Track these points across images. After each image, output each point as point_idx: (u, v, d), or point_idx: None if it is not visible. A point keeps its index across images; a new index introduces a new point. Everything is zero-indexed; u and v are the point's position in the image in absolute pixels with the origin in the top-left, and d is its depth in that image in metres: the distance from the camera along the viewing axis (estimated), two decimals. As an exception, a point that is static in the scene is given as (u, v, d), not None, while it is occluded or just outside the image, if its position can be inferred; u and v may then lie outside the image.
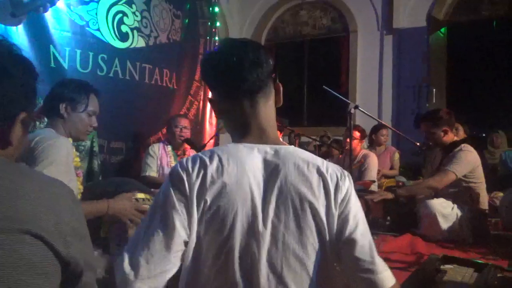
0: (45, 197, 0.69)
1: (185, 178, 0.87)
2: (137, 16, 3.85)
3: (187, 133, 3.45)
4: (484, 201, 3.01)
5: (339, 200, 0.89)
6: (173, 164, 3.27)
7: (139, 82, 3.86)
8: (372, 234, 2.81)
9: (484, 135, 5.63)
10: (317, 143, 5.11)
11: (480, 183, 3.00)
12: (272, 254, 0.85)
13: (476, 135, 5.41)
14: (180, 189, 0.86)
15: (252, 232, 0.86)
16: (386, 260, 2.52)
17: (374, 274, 0.86)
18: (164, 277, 0.83)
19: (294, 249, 0.86)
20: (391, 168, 4.83)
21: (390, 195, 3.13)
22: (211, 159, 0.89)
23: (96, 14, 3.44)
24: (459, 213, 2.85)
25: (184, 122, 3.46)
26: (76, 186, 1.81)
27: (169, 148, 3.45)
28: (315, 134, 6.17)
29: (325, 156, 5.85)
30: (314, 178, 0.89)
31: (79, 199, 0.78)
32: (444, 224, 2.81)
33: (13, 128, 0.76)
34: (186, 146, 3.48)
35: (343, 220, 0.89)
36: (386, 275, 0.88)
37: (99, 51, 3.46)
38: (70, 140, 1.90)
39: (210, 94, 1.08)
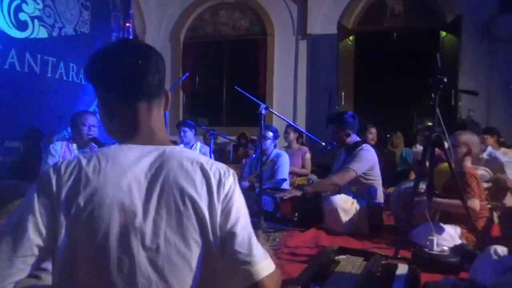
0: None
1: (53, 181, 0.85)
2: (38, 4, 3.54)
3: (95, 132, 3.27)
4: (380, 196, 3.31)
5: (222, 196, 0.91)
6: None
7: (40, 76, 3.55)
8: (281, 230, 2.89)
9: (388, 135, 6.19)
10: (234, 143, 5.18)
11: (377, 180, 3.28)
12: (153, 253, 0.85)
13: (381, 136, 5.90)
14: (46, 192, 0.84)
15: (130, 232, 0.84)
16: (291, 254, 2.61)
17: (251, 265, 0.89)
18: (6, 280, 0.80)
19: (176, 246, 0.86)
20: (303, 167, 5.07)
21: (298, 193, 3.31)
22: (89, 160, 0.88)
23: (-12, -2, 3.10)
24: (358, 207, 3.09)
25: (92, 120, 3.28)
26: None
27: (74, 146, 3.23)
28: (234, 134, 6.25)
29: (242, 156, 5.95)
30: (198, 176, 0.90)
31: None
32: (345, 218, 3.02)
33: None
34: (93, 144, 3.29)
35: (225, 214, 0.91)
36: (263, 265, 0.91)
37: (-9, 39, 3.13)
38: None
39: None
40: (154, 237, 0.85)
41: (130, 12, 4.80)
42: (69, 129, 3.69)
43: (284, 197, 3.29)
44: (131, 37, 4.75)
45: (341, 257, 1.94)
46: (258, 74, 6.99)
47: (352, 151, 3.29)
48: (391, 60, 6.48)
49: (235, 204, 0.92)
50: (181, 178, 0.89)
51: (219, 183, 0.92)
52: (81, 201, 0.83)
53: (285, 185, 4.06)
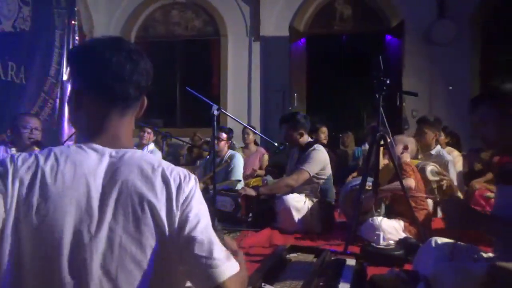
0: None
1: (10, 172, 0.81)
2: (-30, -2, 3.29)
3: (37, 135, 3.09)
4: (332, 194, 3.40)
5: (180, 201, 0.89)
6: None
7: (-27, 75, 3.31)
8: (235, 230, 2.88)
9: (341, 135, 6.39)
10: (189, 144, 5.11)
11: (328, 179, 3.37)
12: (106, 259, 0.82)
13: (333, 135, 6.09)
14: (2, 182, 0.80)
15: (84, 236, 0.81)
16: (246, 254, 2.62)
17: (212, 268, 0.87)
18: None
19: (132, 252, 0.83)
20: (260, 168, 5.10)
21: (253, 193, 3.32)
22: (47, 158, 0.84)
23: None
24: (310, 206, 3.16)
25: (34, 123, 3.09)
26: None
27: (13, 150, 3.03)
28: (188, 135, 6.17)
29: (197, 157, 5.89)
30: (157, 181, 0.88)
31: None
32: (297, 216, 3.08)
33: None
34: (35, 148, 3.11)
35: (184, 219, 0.89)
36: (225, 267, 0.89)
37: None
38: None
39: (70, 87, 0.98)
40: (109, 243, 0.82)
41: (75, 9, 4.58)
42: (8, 132, 3.46)
43: (241, 194, 3.27)
44: (76, 35, 4.54)
45: (292, 255, 1.97)
46: (211, 75, 6.96)
47: (304, 151, 3.36)
48: (341, 62, 6.72)
49: (194, 208, 0.91)
50: (140, 183, 0.86)
51: (179, 188, 0.90)
52: (35, 201, 0.80)
53: (239, 186, 4.07)
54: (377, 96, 2.39)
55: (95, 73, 0.91)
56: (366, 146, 5.62)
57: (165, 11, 7.12)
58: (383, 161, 2.96)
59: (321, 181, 3.33)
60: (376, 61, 2.45)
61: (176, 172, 0.92)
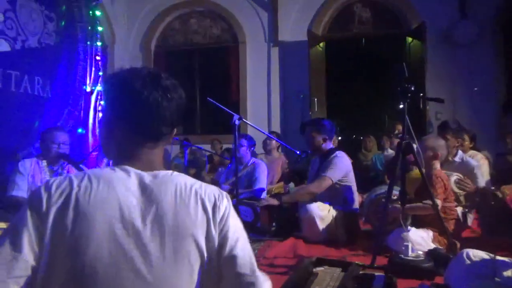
0: None
1: (44, 200, 0.82)
2: (-2, 16, 3.40)
3: (65, 149, 3.12)
4: (356, 202, 3.35)
5: (217, 220, 0.90)
6: None
7: (2, 90, 3.40)
8: (259, 240, 2.86)
9: (362, 138, 6.30)
10: (209, 153, 5.13)
11: (352, 186, 3.32)
12: (144, 283, 0.81)
13: (354, 139, 6.00)
14: (37, 210, 0.81)
15: (120, 260, 0.81)
16: (270, 265, 2.59)
17: (255, 286, 0.87)
18: None
19: (169, 276, 0.83)
20: (282, 175, 5.08)
21: (275, 202, 3.29)
22: (81, 180, 0.85)
23: None
24: (334, 214, 3.11)
25: (63, 138, 3.13)
26: None
27: (44, 163, 3.10)
28: (207, 142, 6.21)
29: (218, 165, 5.91)
30: (192, 201, 0.89)
31: None
32: (322, 226, 3.04)
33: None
34: (64, 161, 3.16)
35: (223, 238, 0.89)
36: (265, 285, 0.90)
37: (-51, 54, 2.98)
38: None
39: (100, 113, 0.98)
40: (146, 266, 0.82)
41: (98, 22, 4.68)
42: (36, 145, 3.55)
43: (261, 205, 3.26)
44: (98, 47, 4.63)
45: (319, 268, 1.94)
46: (230, 81, 6.98)
47: (326, 158, 3.32)
48: (361, 65, 6.63)
49: (231, 226, 0.91)
50: (175, 204, 0.87)
51: (214, 207, 0.90)
52: (69, 223, 0.80)
53: (263, 195, 4.07)
54: (401, 104, 2.34)
55: (130, 109, 0.91)
56: (388, 152, 5.53)
57: (184, 20, 7.19)
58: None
59: (345, 187, 3.28)
60: (399, 67, 2.39)
61: (210, 191, 0.93)
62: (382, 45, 6.49)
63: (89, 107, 4.45)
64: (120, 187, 0.85)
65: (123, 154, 0.94)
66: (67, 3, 4.24)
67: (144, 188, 0.87)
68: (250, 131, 5.32)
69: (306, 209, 3.09)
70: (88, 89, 4.46)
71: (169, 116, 0.93)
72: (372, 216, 3.06)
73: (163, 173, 0.92)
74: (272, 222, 3.28)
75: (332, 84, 6.68)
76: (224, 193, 0.96)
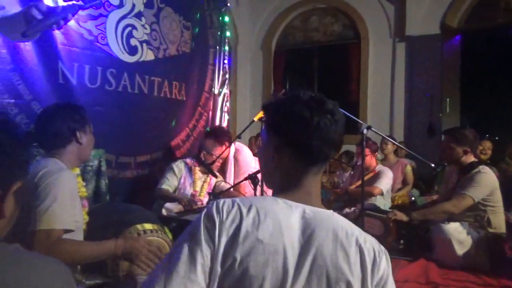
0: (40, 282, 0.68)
1: (217, 225, 0.84)
2: (146, 28, 3.80)
3: (212, 158, 3.15)
4: (501, 225, 2.91)
5: (376, 280, 0.86)
6: (196, 187, 3.14)
7: (147, 95, 3.82)
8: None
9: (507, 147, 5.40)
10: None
11: (497, 207, 2.90)
12: None
13: (496, 149, 5.19)
14: (210, 233, 0.84)
15: None
16: (400, 290, 2.40)
17: None
18: None
19: None
20: (404, 181, 4.73)
21: (405, 217, 3.04)
22: (248, 210, 0.86)
23: (105, 28, 3.40)
24: (475, 238, 2.75)
25: (218, 151, 3.16)
26: (82, 217, 1.78)
27: (197, 170, 3.22)
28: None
29: (335, 168, 5.77)
30: (352, 251, 0.85)
31: (73, 280, 0.78)
32: (460, 251, 2.71)
33: (7, 199, 0.75)
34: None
35: None
36: None
37: (108, 65, 3.42)
38: (77, 170, 1.86)
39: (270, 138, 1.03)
40: None
41: (226, 27, 4.94)
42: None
43: (389, 220, 3.05)
44: (226, 51, 4.88)
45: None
46: (350, 80, 6.73)
47: (467, 173, 2.95)
48: (505, 60, 5.73)
49: None
50: (334, 250, 0.85)
51: (374, 264, 0.86)
52: (238, 255, 0.82)
53: (381, 200, 3.87)
54: None
55: (301, 135, 0.91)
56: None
57: (305, 17, 7.15)
58: None
59: (488, 208, 2.88)
60: None
61: (370, 244, 0.88)
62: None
63: (216, 108, 4.75)
64: (283, 223, 0.86)
65: (286, 182, 0.94)
66: (201, 11, 4.55)
67: (304, 227, 0.87)
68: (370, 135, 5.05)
69: (441, 229, 2.80)
70: (216, 91, 4.75)
71: (337, 139, 0.93)
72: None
73: (324, 212, 0.90)
74: (400, 239, 3.05)
75: (468, 82, 5.93)
76: (383, 249, 0.90)
